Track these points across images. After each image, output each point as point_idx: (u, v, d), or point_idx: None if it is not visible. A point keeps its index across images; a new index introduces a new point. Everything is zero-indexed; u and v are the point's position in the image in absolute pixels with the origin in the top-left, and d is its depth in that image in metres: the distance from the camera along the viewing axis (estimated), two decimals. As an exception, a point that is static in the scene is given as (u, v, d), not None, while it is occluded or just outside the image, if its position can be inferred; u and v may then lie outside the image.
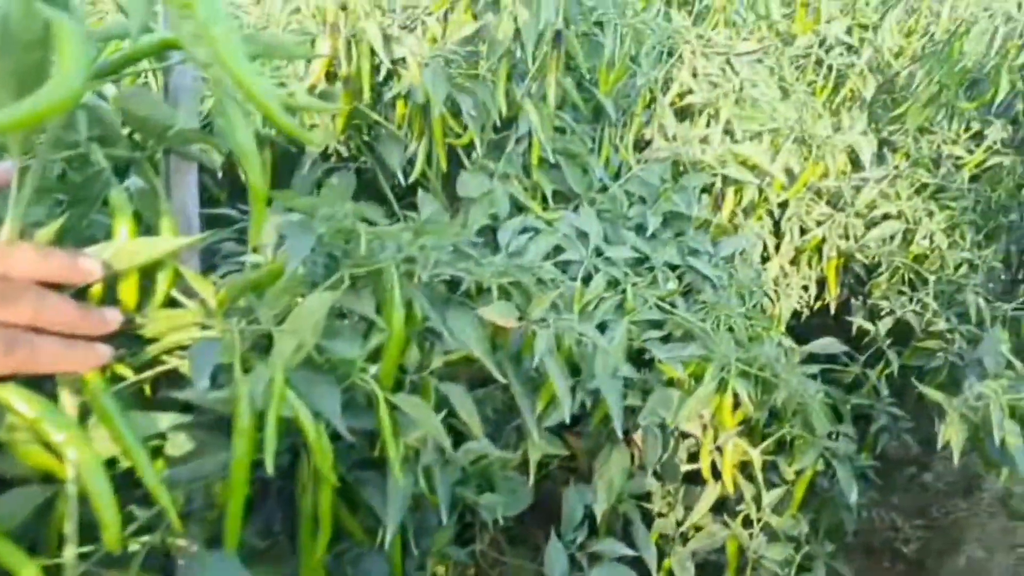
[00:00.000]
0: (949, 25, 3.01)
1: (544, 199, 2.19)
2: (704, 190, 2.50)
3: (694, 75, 2.72)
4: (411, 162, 2.13)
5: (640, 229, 2.27)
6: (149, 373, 0.93)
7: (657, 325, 2.00)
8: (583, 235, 2.11)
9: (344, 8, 1.83)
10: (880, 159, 3.11)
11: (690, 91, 2.61)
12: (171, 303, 0.95)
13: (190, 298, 0.97)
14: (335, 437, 1.05)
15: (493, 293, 1.61)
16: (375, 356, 1.40)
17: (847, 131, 3.15)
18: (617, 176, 2.47)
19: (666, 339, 2.00)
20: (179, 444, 0.95)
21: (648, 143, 2.62)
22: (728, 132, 2.54)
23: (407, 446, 1.28)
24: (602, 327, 1.97)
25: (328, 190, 2.30)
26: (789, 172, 2.62)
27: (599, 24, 2.48)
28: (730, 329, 2.05)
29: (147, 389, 0.97)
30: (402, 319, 1.31)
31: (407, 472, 1.27)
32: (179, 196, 1.07)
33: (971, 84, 3.14)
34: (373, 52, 1.94)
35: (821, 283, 3.05)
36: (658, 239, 2.24)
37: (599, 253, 2.11)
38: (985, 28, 2.75)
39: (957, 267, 2.85)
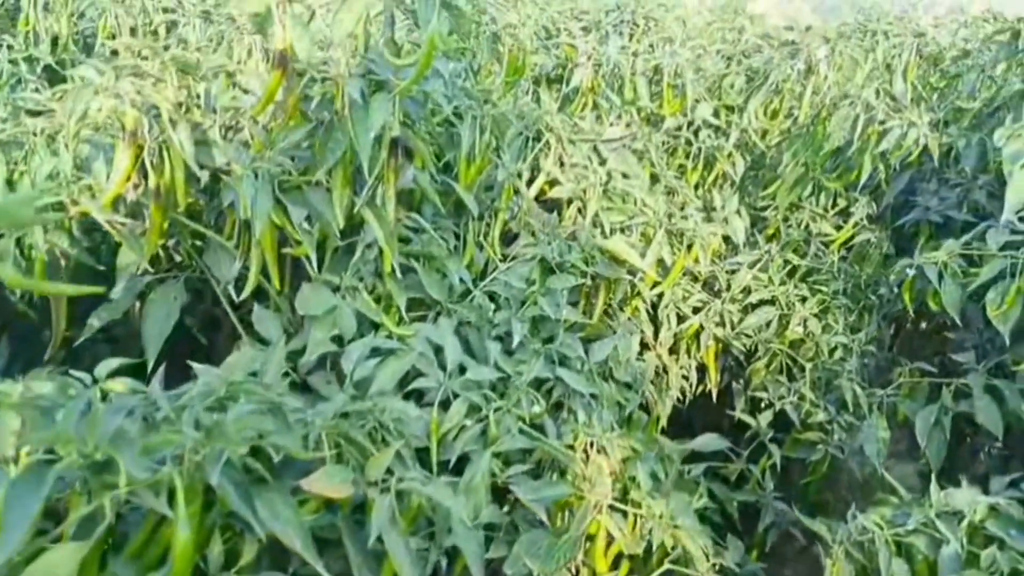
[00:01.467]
0: (810, 109, 3.05)
1: (399, 311, 1.98)
2: (574, 288, 2.36)
3: (560, 164, 2.60)
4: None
5: (506, 337, 2.09)
6: None
7: (524, 454, 1.81)
8: (441, 351, 1.91)
9: (149, 113, 1.58)
10: (752, 242, 3.08)
11: (556, 182, 2.48)
12: None
13: None
14: None
15: (325, 447, 1.38)
16: (163, 559, 1.14)
17: (720, 211, 3.12)
18: (483, 274, 2.30)
19: (535, 470, 1.81)
20: None
21: (516, 236, 2.46)
22: (597, 225, 2.41)
23: None
24: (462, 461, 1.76)
25: (152, 304, 2.02)
26: (661, 262, 2.52)
27: (458, 115, 2.33)
28: (601, 451, 1.88)
29: None
30: (190, 526, 1.06)
31: None
32: None
33: (836, 163, 3.18)
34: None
35: (702, 369, 2.97)
36: (525, 347, 2.06)
37: (461, 370, 1.91)
38: (846, 115, 2.78)
39: (832, 351, 2.82)
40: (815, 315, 2.82)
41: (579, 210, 2.43)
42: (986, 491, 1.66)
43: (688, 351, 2.87)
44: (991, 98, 2.95)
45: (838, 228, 3.42)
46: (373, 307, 1.90)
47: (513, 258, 2.33)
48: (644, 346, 2.85)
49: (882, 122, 2.76)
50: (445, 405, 1.81)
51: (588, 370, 2.18)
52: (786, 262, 2.99)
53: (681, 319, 2.86)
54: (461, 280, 2.13)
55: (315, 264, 1.85)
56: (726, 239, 3.12)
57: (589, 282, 2.35)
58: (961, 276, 2.40)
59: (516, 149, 2.58)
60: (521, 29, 2.92)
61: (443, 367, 1.87)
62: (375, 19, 1.97)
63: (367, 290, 1.89)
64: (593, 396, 2.02)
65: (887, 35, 3.81)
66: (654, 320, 2.86)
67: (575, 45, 2.95)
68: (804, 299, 2.83)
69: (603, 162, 2.61)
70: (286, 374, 1.79)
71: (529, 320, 2.10)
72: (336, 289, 1.91)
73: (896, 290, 3.56)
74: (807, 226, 3.39)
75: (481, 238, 2.33)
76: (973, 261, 2.47)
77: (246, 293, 1.86)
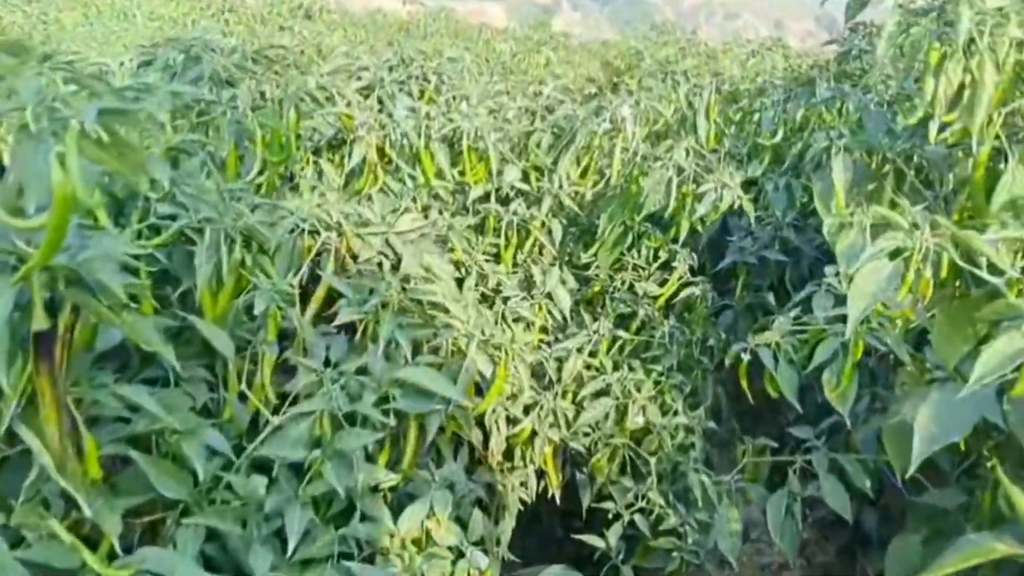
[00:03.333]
0: (622, 167, 2.80)
1: (110, 544, 1.43)
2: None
3: (343, 268, 2.15)
4: None
5: (284, 528, 1.60)
6: None
7: None
8: None
9: None
10: (581, 302, 2.79)
11: (339, 296, 2.02)
12: None
13: None
14: None
15: None
16: None
17: (541, 286, 2.80)
18: (252, 431, 1.80)
19: None
20: None
21: (294, 367, 1.97)
22: (395, 346, 1.97)
23: None
24: None
25: None
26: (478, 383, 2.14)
27: (199, 231, 1.81)
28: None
29: None
30: None
31: None
32: None
33: (655, 221, 2.97)
34: None
35: (542, 474, 2.62)
36: (311, 539, 1.58)
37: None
38: (659, 178, 2.54)
39: (674, 433, 2.57)
40: (650, 398, 2.56)
41: (372, 338, 1.98)
42: None
43: (524, 456, 2.51)
44: (801, 151, 2.83)
45: (663, 283, 3.23)
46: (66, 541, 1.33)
47: (293, 401, 1.85)
48: (474, 459, 2.46)
49: (696, 181, 2.55)
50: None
51: (400, 542, 1.74)
52: (615, 338, 2.71)
53: (512, 421, 2.49)
54: (214, 454, 1.61)
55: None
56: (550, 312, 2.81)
57: (394, 422, 1.91)
58: (794, 354, 2.21)
59: (286, 257, 2.10)
60: (287, 97, 2.43)
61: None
62: None
63: (57, 517, 1.33)
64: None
65: (687, 76, 3.70)
66: (481, 425, 2.47)
67: (351, 114, 2.49)
68: (639, 385, 2.55)
69: (397, 263, 2.18)
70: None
71: (311, 502, 1.62)
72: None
73: (723, 335, 3.45)
74: (631, 286, 3.17)
75: (244, 386, 1.82)
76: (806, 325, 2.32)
77: None
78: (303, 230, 2.15)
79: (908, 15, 2.11)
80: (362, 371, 1.88)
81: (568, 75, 7.76)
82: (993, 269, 1.39)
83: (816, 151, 2.34)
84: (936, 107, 1.85)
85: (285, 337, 2.05)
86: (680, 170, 2.54)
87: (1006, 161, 1.99)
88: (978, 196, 1.90)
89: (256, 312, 1.85)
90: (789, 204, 3.32)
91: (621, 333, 2.70)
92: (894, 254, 1.46)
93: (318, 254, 2.16)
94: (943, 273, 1.45)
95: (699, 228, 2.79)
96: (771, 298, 3.68)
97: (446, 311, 2.04)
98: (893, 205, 2.38)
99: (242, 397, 1.84)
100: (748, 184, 3.64)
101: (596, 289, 3.27)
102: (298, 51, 5.04)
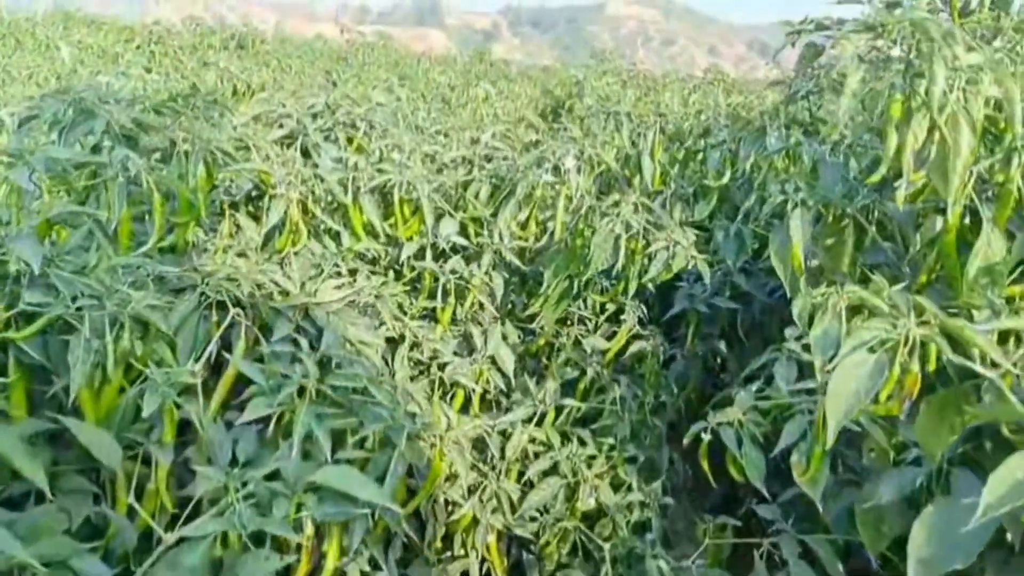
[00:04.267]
0: (566, 218, 2.61)
1: None
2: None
3: (256, 346, 1.89)
4: None
5: None
6: None
7: None
8: None
9: None
10: (522, 384, 2.57)
11: (250, 383, 1.76)
12: None
13: None
14: None
15: None
16: None
17: (483, 348, 2.58)
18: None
19: None
20: None
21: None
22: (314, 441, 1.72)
23: None
24: None
25: None
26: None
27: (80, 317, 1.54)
28: None
29: None
30: None
31: None
32: None
33: (603, 274, 2.78)
34: None
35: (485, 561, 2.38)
36: None
37: None
38: (607, 235, 2.36)
39: (628, 513, 2.36)
40: (602, 475, 2.35)
41: (288, 421, 1.73)
42: None
43: (464, 545, 2.27)
44: (756, 202, 2.69)
45: (611, 336, 3.05)
46: None
47: (196, 507, 1.58)
48: (408, 549, 2.21)
49: (646, 241, 2.38)
50: None
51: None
52: (559, 409, 2.49)
53: (450, 505, 2.25)
54: None
55: None
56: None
57: (311, 530, 1.65)
58: (757, 430, 2.04)
59: (188, 338, 1.83)
60: (194, 152, 2.16)
61: None
62: None
63: None
64: None
65: (630, 116, 3.56)
66: (417, 514, 2.22)
67: (268, 170, 2.24)
68: (591, 459, 2.34)
69: (318, 337, 1.93)
70: None
71: None
72: None
73: (675, 390, 3.28)
74: (578, 341, 2.97)
75: (134, 496, 1.54)
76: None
77: None
78: (210, 303, 1.90)
79: (871, 68, 2.00)
80: (274, 475, 1.62)
81: (508, 107, 7.62)
82: (985, 360, 1.23)
83: (772, 205, 2.18)
84: (903, 164, 1.72)
85: (186, 431, 1.78)
86: (628, 227, 2.37)
87: (973, 218, 1.86)
88: (950, 260, 1.77)
89: (145, 414, 1.58)
90: (740, 250, 3.18)
91: (568, 401, 2.49)
92: (875, 344, 1.29)
93: (227, 329, 1.90)
94: (931, 365, 1.28)
95: (649, 286, 2.62)
96: (723, 345, 3.56)
97: (372, 397, 1.80)
98: (853, 264, 2.25)
99: (132, 510, 1.57)
100: (695, 227, 3.52)
101: (540, 342, 3.07)
102: (222, 90, 4.75)
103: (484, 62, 13.29)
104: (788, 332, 2.26)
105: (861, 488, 1.86)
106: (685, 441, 2.02)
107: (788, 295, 2.40)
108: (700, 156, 3.92)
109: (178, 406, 1.64)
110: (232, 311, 1.87)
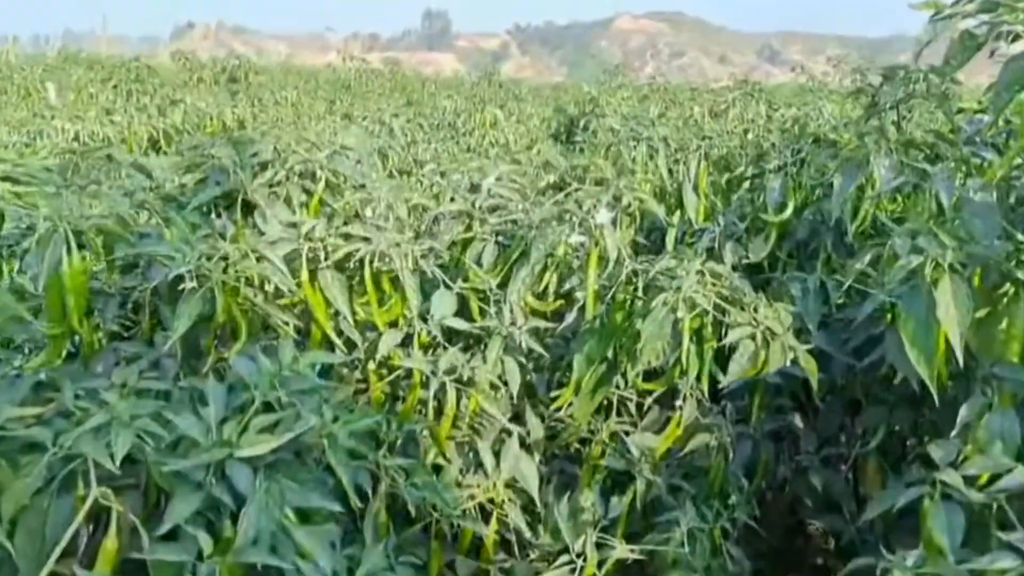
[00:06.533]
0: (598, 288, 1.93)
1: None
2: None
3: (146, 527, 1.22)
4: None
5: None
6: None
7: None
8: None
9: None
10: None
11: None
12: None
13: None
14: None
15: None
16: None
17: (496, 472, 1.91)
18: None
19: None
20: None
21: None
22: None
23: None
24: None
25: None
26: None
27: None
28: None
29: None
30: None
31: None
32: None
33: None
34: None
35: None
36: None
37: None
38: (661, 321, 1.67)
39: None
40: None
41: None
42: None
43: None
44: (873, 261, 1.99)
45: (662, 427, 2.35)
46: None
47: None
48: None
49: (719, 324, 1.69)
50: None
51: None
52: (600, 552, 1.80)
53: None
54: None
55: None
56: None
57: None
58: None
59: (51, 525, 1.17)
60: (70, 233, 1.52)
61: None
62: None
63: None
64: None
65: (667, 142, 2.89)
66: None
67: (174, 254, 1.58)
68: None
69: (239, 507, 1.26)
70: None
71: None
72: None
73: (744, 482, 2.58)
74: (616, 435, 2.29)
75: None
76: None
77: None
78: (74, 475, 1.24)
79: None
80: None
81: (520, 130, 6.98)
82: None
83: (901, 269, 1.49)
84: None
85: None
86: (692, 305, 1.68)
87: None
88: None
89: None
90: (823, 304, 2.49)
91: (616, 552, 1.79)
92: None
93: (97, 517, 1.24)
94: None
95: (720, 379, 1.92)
96: (797, 420, 2.91)
97: None
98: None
99: None
100: (751, 270, 2.84)
101: (570, 437, 2.38)
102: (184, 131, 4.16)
103: (493, 84, 12.71)
104: (935, 453, 1.55)
105: None
106: None
107: (919, 388, 1.71)
108: (749, 183, 3.24)
109: None
110: (98, 491, 1.20)
